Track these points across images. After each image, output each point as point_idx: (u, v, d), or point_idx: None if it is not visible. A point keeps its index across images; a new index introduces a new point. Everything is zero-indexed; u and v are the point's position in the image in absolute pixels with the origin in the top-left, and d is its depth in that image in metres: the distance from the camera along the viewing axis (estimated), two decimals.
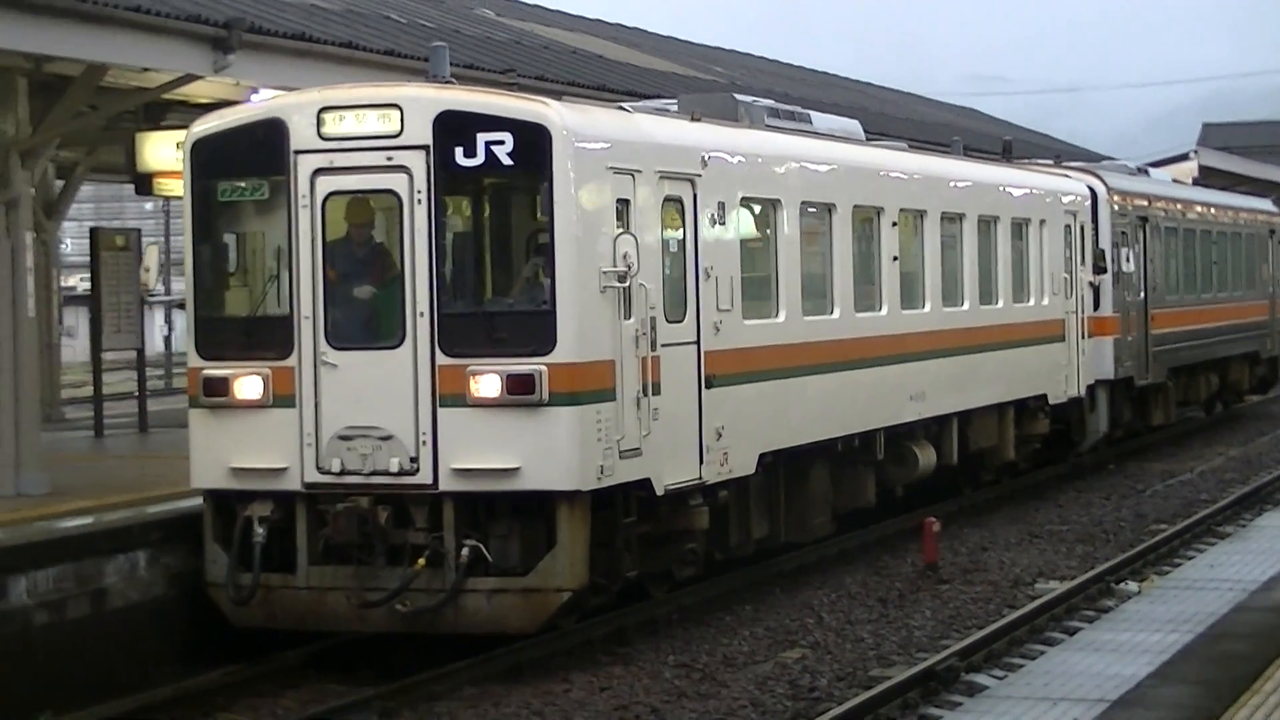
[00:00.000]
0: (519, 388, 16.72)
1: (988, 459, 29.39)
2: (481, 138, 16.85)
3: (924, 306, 25.60)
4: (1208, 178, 53.76)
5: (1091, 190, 33.47)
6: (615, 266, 17.21)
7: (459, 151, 16.92)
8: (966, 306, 27.18)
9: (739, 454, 19.75)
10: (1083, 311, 32.17)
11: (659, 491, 18.12)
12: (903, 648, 18.71)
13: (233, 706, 16.91)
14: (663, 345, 18.18)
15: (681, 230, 18.90)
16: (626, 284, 17.32)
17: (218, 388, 17.54)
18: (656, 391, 17.99)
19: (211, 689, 17.18)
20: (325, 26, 24.90)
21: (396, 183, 17.12)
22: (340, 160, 17.25)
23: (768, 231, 21.19)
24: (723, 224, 19.51)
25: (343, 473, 17.16)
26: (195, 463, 17.79)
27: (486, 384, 16.81)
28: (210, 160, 17.87)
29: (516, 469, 16.76)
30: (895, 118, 48.20)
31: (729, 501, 20.33)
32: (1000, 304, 28.60)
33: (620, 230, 17.42)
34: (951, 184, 27.23)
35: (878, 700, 15.75)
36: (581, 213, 16.99)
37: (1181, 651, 14.01)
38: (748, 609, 20.73)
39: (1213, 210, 42.70)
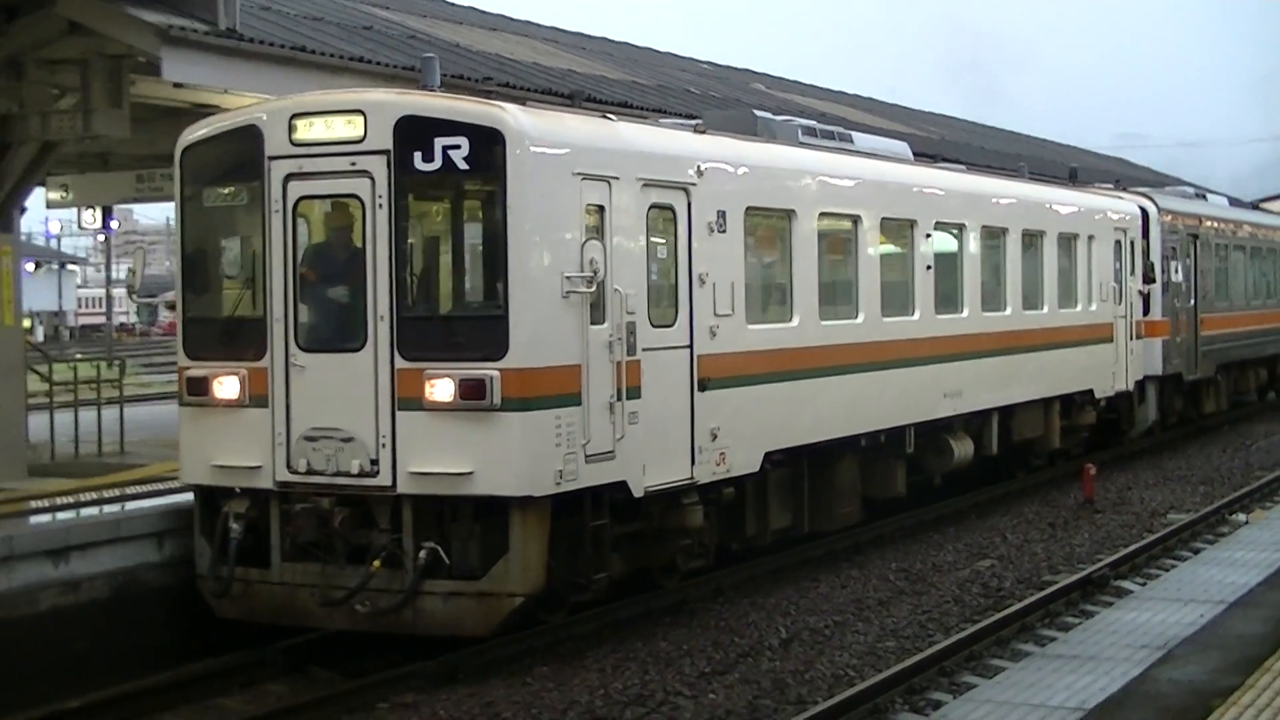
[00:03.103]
0: (472, 393, 12.42)
1: (1037, 447, 24.38)
2: (439, 142, 12.58)
3: (962, 311, 20.69)
4: None
5: (1143, 210, 28.43)
6: (581, 272, 12.81)
7: (418, 156, 12.67)
8: (1009, 311, 22.18)
9: (740, 453, 15.19)
10: (1131, 316, 27.10)
11: (637, 493, 13.68)
12: (1067, 560, 18.44)
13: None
14: (645, 350, 13.72)
15: (673, 237, 14.38)
16: (593, 289, 12.92)
17: (199, 387, 13.51)
18: (635, 395, 13.55)
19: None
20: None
21: (360, 187, 12.88)
22: (309, 165, 13.07)
23: (781, 240, 16.56)
24: (723, 232, 14.93)
25: (309, 472, 13.01)
26: (183, 459, 13.78)
27: (441, 388, 12.53)
28: (197, 166, 13.81)
29: (470, 473, 12.48)
30: (1030, 157, 42.45)
31: (737, 497, 15.82)
32: (1046, 309, 23.56)
33: (588, 236, 13.00)
34: (993, 201, 22.19)
35: (1049, 599, 15.76)
36: (539, 217, 12.61)
37: None
38: (950, 530, 20.54)
39: (1263, 230, 37.14)
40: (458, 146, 12.47)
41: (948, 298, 20.38)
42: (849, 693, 11.94)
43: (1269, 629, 11.03)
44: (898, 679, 12.43)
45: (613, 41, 38.23)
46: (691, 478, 14.45)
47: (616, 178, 13.39)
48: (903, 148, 21.24)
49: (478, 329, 12.62)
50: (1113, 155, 67.77)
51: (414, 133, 12.63)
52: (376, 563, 12.75)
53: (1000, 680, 10.31)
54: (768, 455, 15.90)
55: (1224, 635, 10.97)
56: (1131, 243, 27.37)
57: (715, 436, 14.70)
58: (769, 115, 17.71)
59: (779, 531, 17.02)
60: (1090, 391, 25.47)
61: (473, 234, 13.07)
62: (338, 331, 13.09)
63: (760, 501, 16.50)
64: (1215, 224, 32.77)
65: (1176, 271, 29.63)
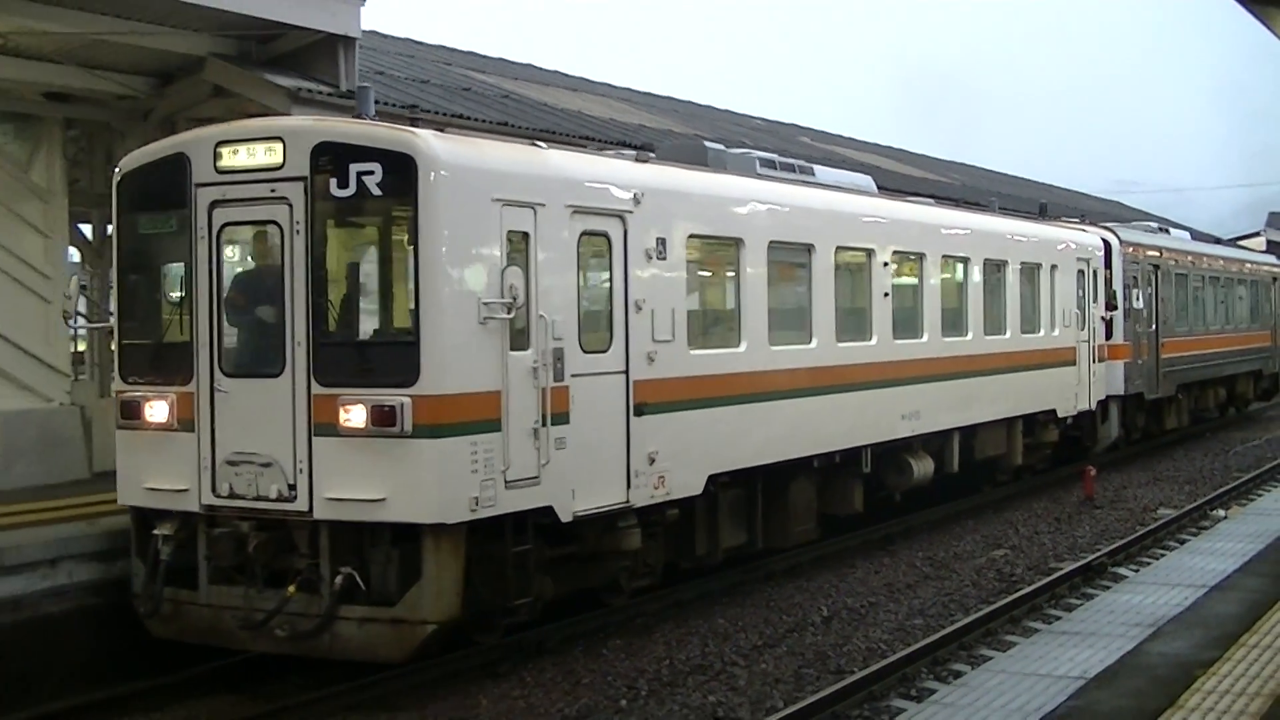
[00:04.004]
0: (383, 419, 10.68)
1: (1001, 463, 22.40)
2: (354, 168, 10.87)
3: (922, 336, 18.79)
4: (1271, 249, 49.65)
5: (1106, 242, 26.43)
6: (501, 298, 11.08)
7: (333, 182, 10.97)
8: (970, 336, 20.23)
9: (680, 476, 13.38)
10: (1094, 340, 25.06)
11: (565, 518, 11.90)
12: (1070, 549, 18.38)
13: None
14: (575, 375, 11.96)
15: (607, 264, 12.62)
16: (512, 315, 11.19)
17: (132, 411, 11.83)
18: (563, 421, 11.78)
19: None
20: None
21: (279, 214, 11.19)
22: (233, 193, 11.40)
23: (728, 267, 14.76)
24: (662, 259, 13.15)
25: (231, 496, 11.31)
26: (119, 480, 12.06)
27: (355, 415, 10.80)
28: (131, 193, 12.15)
29: (383, 500, 10.75)
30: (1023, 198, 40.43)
31: (684, 517, 14.03)
32: (1008, 334, 21.59)
33: (509, 262, 11.26)
34: (953, 232, 20.24)
35: (1055, 583, 15.67)
36: (453, 243, 10.87)
37: (1256, 555, 13.80)
38: (969, 522, 20.50)
39: (1221, 261, 34.90)
40: (372, 172, 10.77)
41: (907, 323, 18.49)
42: (881, 663, 12.10)
43: (1244, 610, 11.06)
44: (924, 652, 12.56)
45: (677, 100, 38.10)
46: (627, 501, 12.65)
47: (542, 204, 11.65)
48: (866, 181, 19.39)
49: (390, 355, 10.89)
50: (1111, 199, 65.86)
51: (330, 159, 10.94)
52: (291, 588, 11.06)
53: (1013, 653, 10.29)
54: (714, 477, 14.13)
55: (1206, 615, 11.01)
56: (1094, 272, 25.37)
57: (653, 460, 12.91)
58: (719, 146, 15.85)
59: (732, 550, 15.21)
60: (1053, 411, 23.50)
61: (387, 260, 11.30)
62: (259, 357, 11.38)
63: (710, 521, 14.70)
64: (1176, 256, 30.67)
65: (1138, 299, 27.60)
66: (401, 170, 10.69)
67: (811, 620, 14.04)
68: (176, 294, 11.81)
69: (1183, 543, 17.86)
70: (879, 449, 17.71)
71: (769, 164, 16.62)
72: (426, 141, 10.80)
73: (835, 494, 17.14)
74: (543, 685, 11.68)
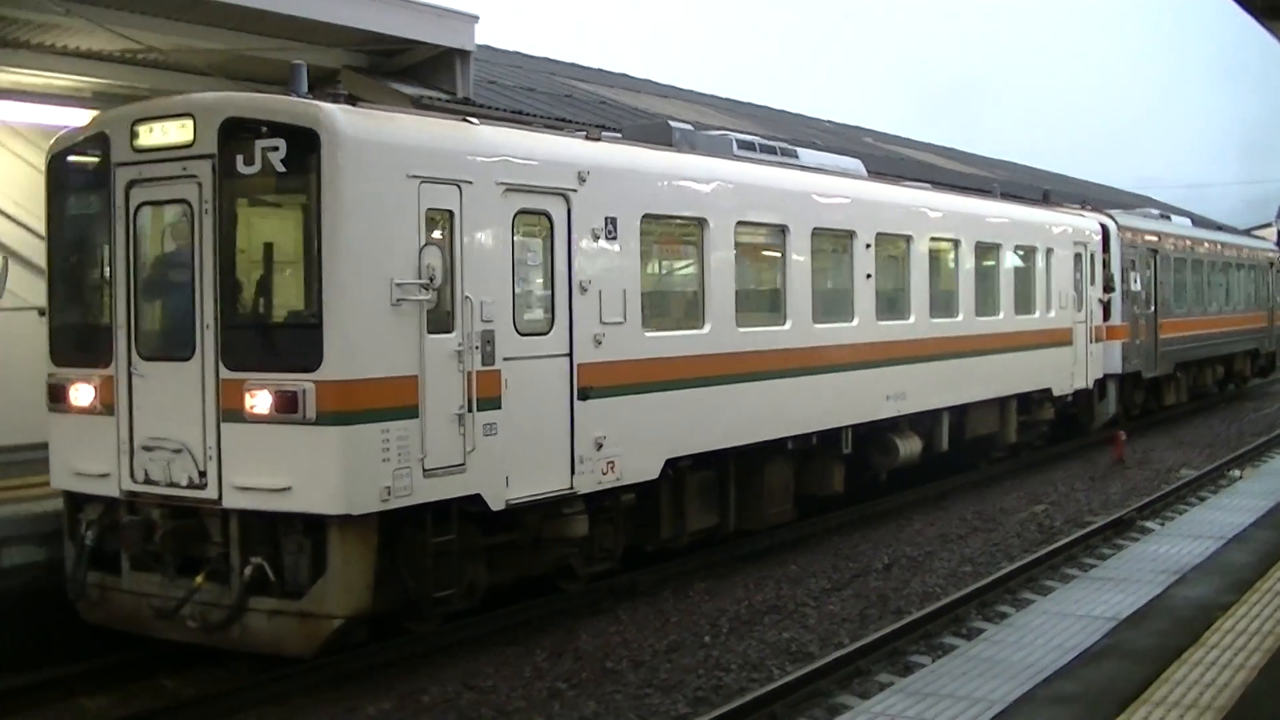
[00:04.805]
0: (286, 405, 9.02)
1: (995, 441, 20.36)
2: (259, 144, 9.18)
3: (908, 318, 16.81)
4: None
5: (1104, 227, 24.10)
6: (418, 279, 9.35)
7: (240, 159, 9.27)
8: (960, 318, 18.20)
9: (633, 461, 11.60)
10: (1090, 322, 22.82)
11: (496, 506, 10.15)
12: (1103, 505, 18.08)
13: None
14: (508, 359, 10.21)
15: (548, 244, 10.83)
16: (429, 297, 9.46)
17: (60, 394, 10.25)
18: (493, 406, 10.04)
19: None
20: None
21: (189, 192, 9.52)
22: (148, 172, 9.74)
23: (691, 248, 12.92)
24: (612, 239, 11.36)
25: (147, 482, 9.70)
26: (51, 464, 10.48)
27: (260, 400, 9.14)
28: (59, 175, 10.52)
29: (288, 489, 9.08)
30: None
31: (650, 500, 12.30)
32: (1001, 315, 19.51)
33: (428, 241, 9.52)
34: (940, 215, 18.17)
35: (1090, 535, 15.47)
36: (360, 222, 9.12)
37: (1268, 511, 13.46)
38: (1012, 481, 20.20)
39: (1219, 246, 32.26)
40: (276, 148, 9.07)
41: (892, 305, 16.55)
42: (935, 605, 12.11)
43: (1257, 559, 11.04)
44: (973, 595, 12.57)
45: (756, 105, 37.57)
46: (570, 487, 10.92)
47: (469, 181, 9.88)
48: (854, 164, 17.36)
49: (294, 339, 9.17)
50: (1137, 193, 62.94)
51: (237, 135, 9.26)
52: (199, 578, 9.46)
53: (1053, 597, 10.18)
54: (675, 461, 12.35)
55: (1224, 564, 10.92)
56: (1092, 255, 23.09)
57: (601, 445, 11.15)
58: (686, 127, 13.88)
59: (701, 532, 13.43)
60: (1049, 390, 21.39)
61: (292, 240, 9.52)
62: (172, 340, 9.70)
63: (676, 504, 12.92)
64: (1174, 241, 28.22)
65: (1135, 282, 25.28)
66: (305, 145, 8.98)
67: (874, 567, 14.12)
68: (98, 276, 10.21)
69: (1203, 500, 17.73)
70: (862, 429, 15.83)
71: (747, 145, 14.71)
72: (331, 115, 9.06)
73: (814, 475, 15.27)
74: (636, 622, 11.69)
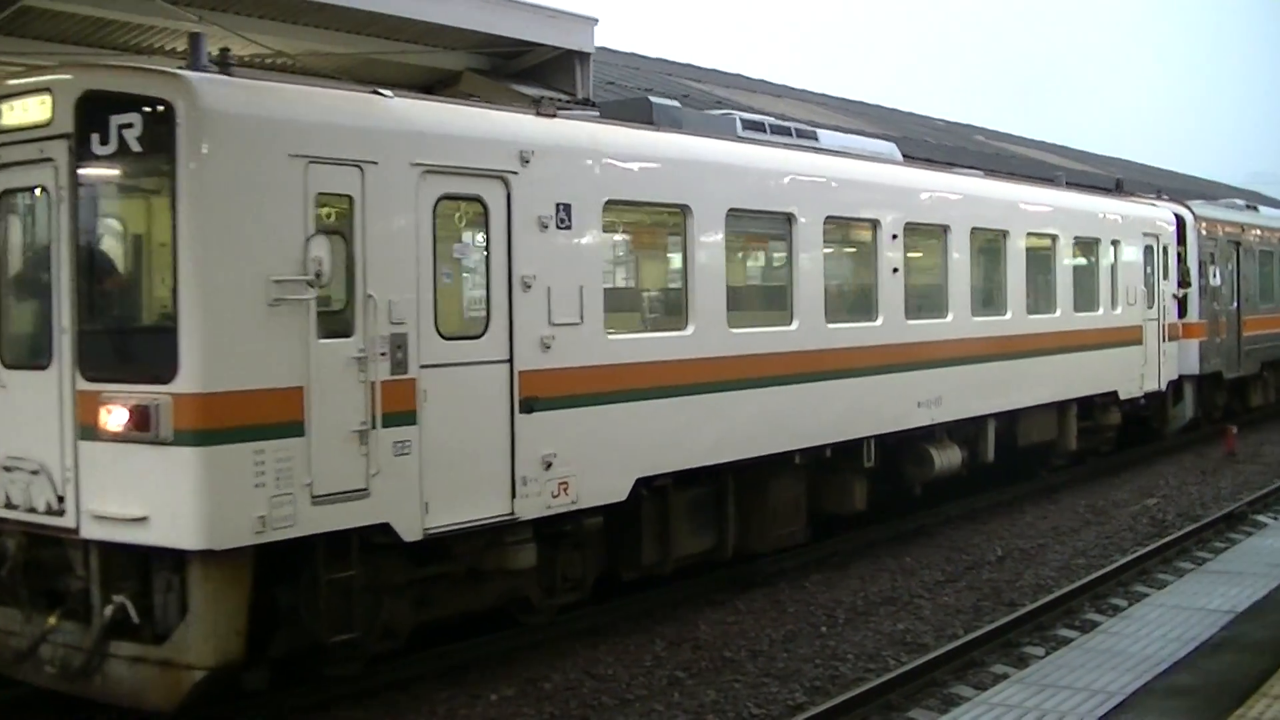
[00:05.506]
0: (140, 422, 7.69)
1: (1056, 448, 18.51)
2: (114, 120, 7.86)
3: (946, 316, 15.11)
4: None
5: (1179, 218, 22.07)
6: (303, 274, 8.02)
7: (95, 139, 7.97)
8: (1009, 315, 16.43)
9: (593, 481, 10.14)
10: (1164, 319, 20.82)
11: (410, 536, 8.74)
12: (1215, 499, 17.88)
13: None
14: (427, 366, 8.83)
15: (482, 234, 9.40)
16: (316, 295, 8.11)
17: None
18: (407, 421, 8.67)
19: None
20: None
21: (46, 178, 8.28)
22: (7, 155, 8.49)
23: (671, 239, 11.42)
24: (564, 228, 9.91)
25: (8, 506, 8.47)
26: None
27: (116, 416, 7.84)
28: None
29: (145, 518, 7.76)
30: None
31: (628, 522, 10.87)
32: (1058, 313, 17.69)
33: (317, 231, 8.18)
34: (985, 204, 16.36)
35: (1202, 528, 15.34)
36: (226, 209, 7.74)
37: None
38: (1123, 475, 19.89)
39: None
40: (131, 125, 7.76)
41: (926, 302, 14.88)
42: (1048, 598, 12.05)
43: None
44: (1086, 588, 12.49)
45: (868, 104, 37.54)
46: (511, 513, 9.49)
47: (374, 162, 8.50)
48: (888, 148, 15.69)
49: (151, 345, 7.80)
50: (1247, 189, 59.83)
51: (94, 111, 7.95)
52: (52, 617, 8.23)
53: (1168, 590, 10.08)
54: (650, 480, 10.89)
55: None
56: (1165, 248, 21.06)
57: (550, 465, 9.72)
58: (671, 103, 12.29)
59: (692, 557, 11.92)
60: (1114, 393, 19.47)
61: (151, 231, 8.19)
62: (32, 347, 8.46)
63: (660, 526, 11.45)
64: (1260, 232, 25.88)
65: (1215, 276, 23.15)
66: (160, 121, 7.63)
67: (987, 559, 14.12)
68: None
69: None
70: (891, 440, 14.20)
71: (755, 125, 13.17)
72: (191, 85, 7.69)
73: (831, 491, 13.67)
74: (753, 612, 11.73)
